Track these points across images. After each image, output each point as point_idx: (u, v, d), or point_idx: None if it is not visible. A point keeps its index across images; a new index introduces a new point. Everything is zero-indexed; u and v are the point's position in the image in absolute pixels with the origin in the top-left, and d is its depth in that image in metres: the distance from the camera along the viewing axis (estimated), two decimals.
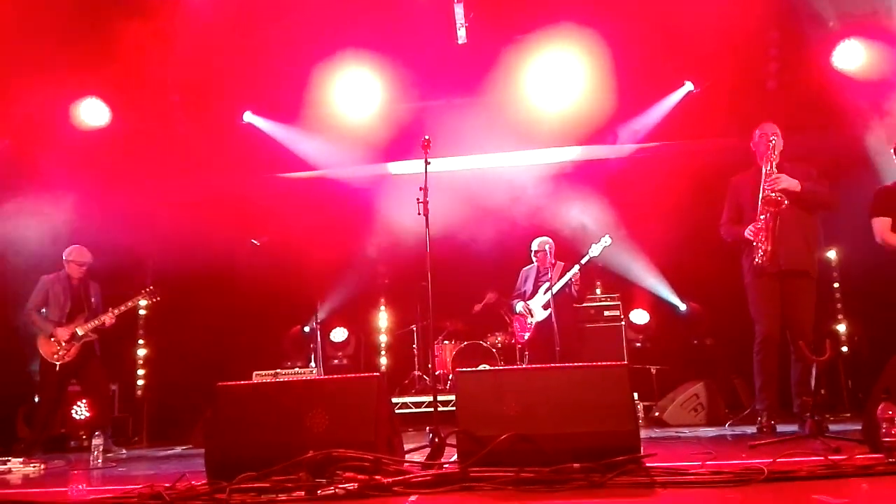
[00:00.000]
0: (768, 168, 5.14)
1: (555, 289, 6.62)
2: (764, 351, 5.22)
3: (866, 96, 6.70)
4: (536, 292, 6.90)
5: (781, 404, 5.34)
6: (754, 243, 5.17)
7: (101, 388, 6.71)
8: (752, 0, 6.41)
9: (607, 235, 6.65)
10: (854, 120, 6.76)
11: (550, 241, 6.90)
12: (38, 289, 6.54)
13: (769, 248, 5.08)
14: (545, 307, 6.67)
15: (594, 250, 6.62)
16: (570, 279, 6.64)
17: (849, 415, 6.82)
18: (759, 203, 5.13)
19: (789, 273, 5.16)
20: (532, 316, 6.87)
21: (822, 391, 6.67)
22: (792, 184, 5.07)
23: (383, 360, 9.74)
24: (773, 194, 5.03)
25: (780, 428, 5.07)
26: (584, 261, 6.64)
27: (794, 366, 5.17)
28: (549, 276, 6.69)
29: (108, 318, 6.46)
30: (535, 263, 6.94)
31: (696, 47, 6.95)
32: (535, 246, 6.90)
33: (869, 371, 7.39)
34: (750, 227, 5.20)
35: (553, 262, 6.84)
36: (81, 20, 6.75)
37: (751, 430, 5.33)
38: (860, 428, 3.86)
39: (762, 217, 5.12)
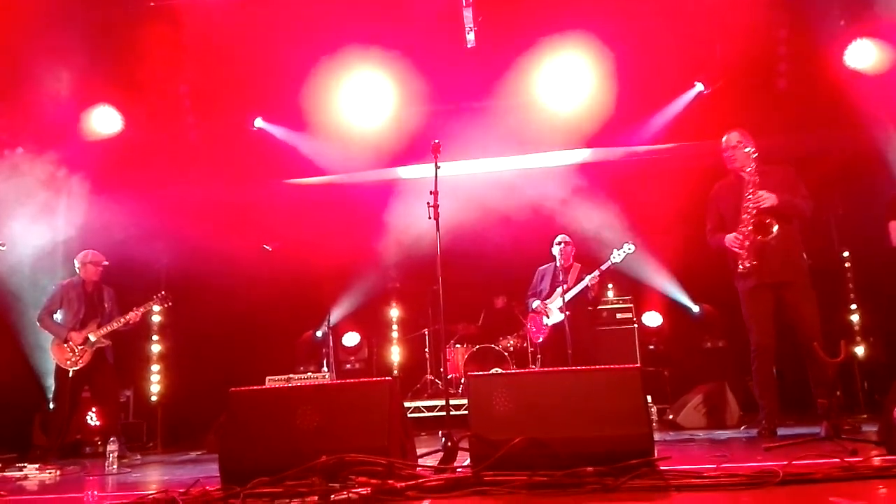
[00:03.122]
0: (750, 191, 5.10)
1: (571, 293, 6.58)
2: (759, 359, 5.22)
3: (878, 95, 6.65)
4: (553, 293, 6.86)
5: (797, 406, 5.28)
6: (738, 251, 5.16)
7: (112, 394, 6.71)
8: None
9: (630, 243, 6.57)
10: (866, 119, 6.71)
11: (569, 238, 6.89)
12: (53, 294, 6.56)
13: (754, 263, 5.09)
14: (561, 310, 6.61)
15: (616, 256, 6.53)
16: (588, 283, 6.59)
17: (865, 416, 6.75)
18: (749, 221, 5.10)
19: (782, 284, 5.13)
20: (548, 316, 6.84)
21: (838, 393, 6.62)
22: (770, 199, 5.04)
23: (396, 364, 9.74)
24: (763, 218, 5.02)
25: (801, 430, 5.03)
26: (604, 266, 6.58)
27: (810, 368, 5.12)
28: (566, 277, 6.67)
29: (133, 316, 6.46)
30: (553, 263, 6.88)
31: (706, 48, 6.93)
32: (558, 240, 6.83)
33: (885, 373, 7.32)
34: (731, 236, 5.20)
35: (571, 262, 6.82)
36: (94, 28, 6.83)
37: None
38: (877, 430, 3.83)
39: (744, 229, 5.11)
